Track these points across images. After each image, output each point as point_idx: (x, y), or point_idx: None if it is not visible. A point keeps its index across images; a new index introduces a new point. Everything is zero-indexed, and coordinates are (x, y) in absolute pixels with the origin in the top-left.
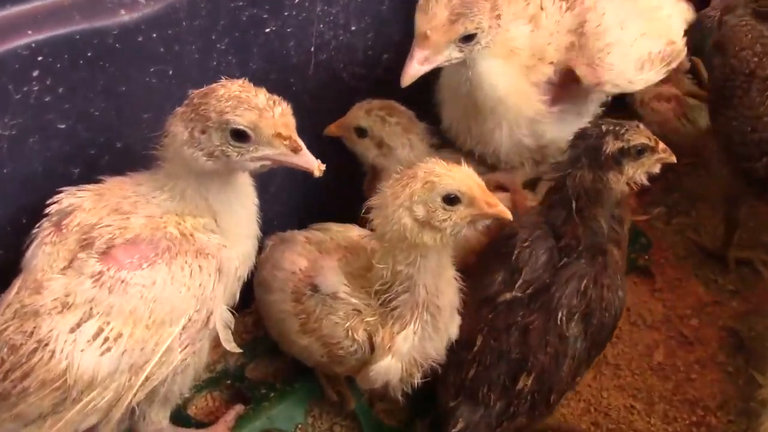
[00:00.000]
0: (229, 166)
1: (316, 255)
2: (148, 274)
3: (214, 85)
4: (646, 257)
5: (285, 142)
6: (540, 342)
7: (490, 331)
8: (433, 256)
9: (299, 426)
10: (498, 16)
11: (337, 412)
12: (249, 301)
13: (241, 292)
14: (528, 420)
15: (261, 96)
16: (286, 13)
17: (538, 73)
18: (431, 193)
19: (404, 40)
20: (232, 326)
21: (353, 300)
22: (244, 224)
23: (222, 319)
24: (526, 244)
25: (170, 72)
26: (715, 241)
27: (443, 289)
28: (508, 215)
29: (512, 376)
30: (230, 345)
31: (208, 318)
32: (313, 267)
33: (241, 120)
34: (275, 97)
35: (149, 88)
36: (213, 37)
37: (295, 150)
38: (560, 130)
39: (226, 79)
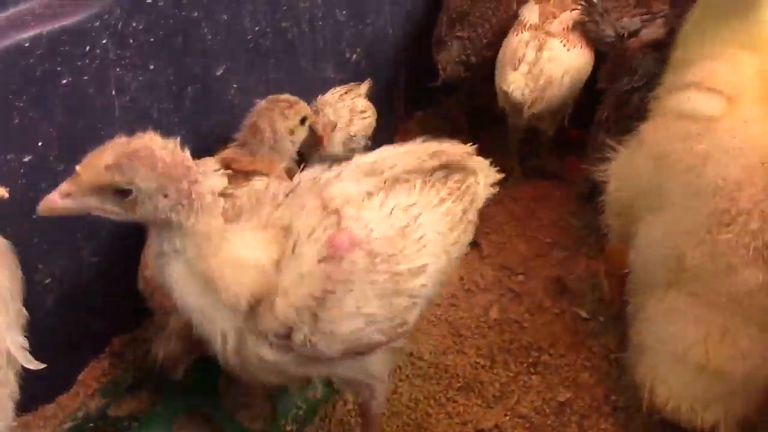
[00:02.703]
0: None
1: None
2: None
3: None
4: None
5: None
6: None
7: None
8: None
9: None
10: (189, 193)
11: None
12: (102, 345)
13: (91, 337)
14: None
15: None
16: (79, 63)
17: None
18: None
19: (205, 71)
20: (27, 346)
21: None
22: None
23: (15, 343)
24: None
25: None
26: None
27: None
28: None
29: None
30: (32, 364)
31: None
32: None
33: None
34: None
35: None
36: (10, 96)
37: None
38: None
39: None
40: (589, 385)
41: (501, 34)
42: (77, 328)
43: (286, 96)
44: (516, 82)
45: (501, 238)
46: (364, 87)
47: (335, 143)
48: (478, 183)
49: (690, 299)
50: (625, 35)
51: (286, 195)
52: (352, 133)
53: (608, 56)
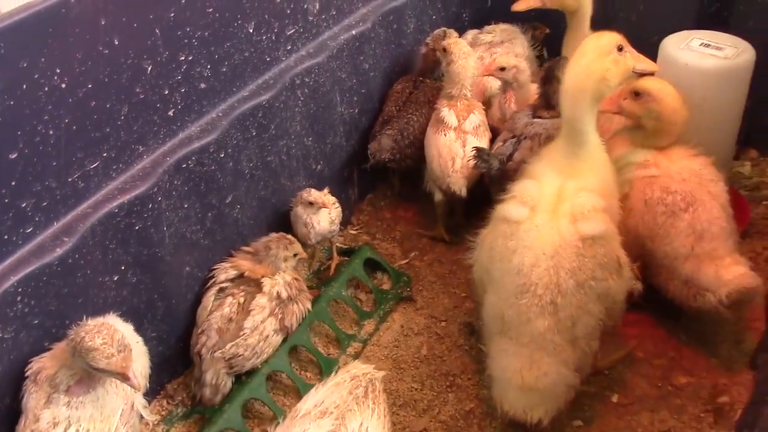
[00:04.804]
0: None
1: None
2: (93, 393)
3: (89, 335)
4: (409, 290)
5: (120, 374)
6: None
7: None
8: None
9: None
10: None
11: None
12: (159, 389)
13: (152, 383)
14: None
15: (115, 343)
16: (146, 215)
17: None
18: None
19: (219, 201)
20: (148, 405)
21: None
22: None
23: (140, 403)
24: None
25: None
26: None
27: None
28: None
29: None
30: (149, 415)
31: (132, 405)
32: None
33: (96, 365)
34: (125, 341)
35: None
36: (107, 242)
37: (125, 377)
38: None
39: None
40: (487, 398)
41: (421, 135)
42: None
43: (290, 236)
44: (458, 183)
45: (431, 293)
46: (326, 190)
47: (324, 223)
48: (376, 376)
49: (510, 342)
50: (504, 160)
51: None
52: (333, 218)
53: (498, 177)
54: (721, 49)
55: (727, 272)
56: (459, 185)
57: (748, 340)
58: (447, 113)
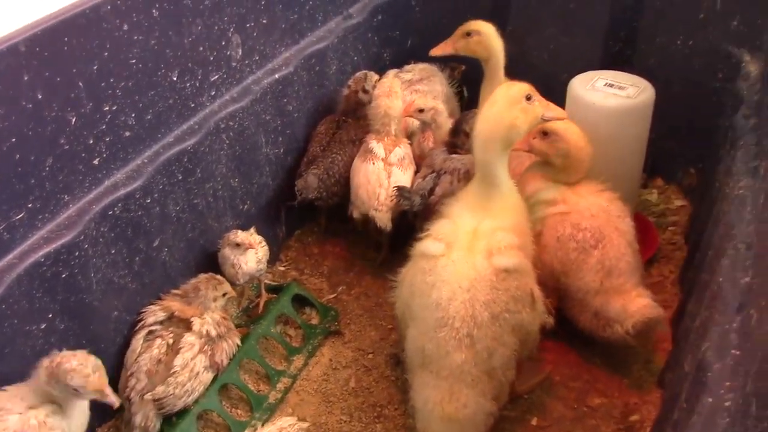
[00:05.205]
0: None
1: None
2: None
3: (65, 360)
4: (336, 324)
5: (97, 393)
6: None
7: None
8: None
9: None
10: None
11: None
12: None
13: None
14: None
15: (90, 364)
16: (72, 263)
17: None
18: None
19: (146, 245)
20: None
21: None
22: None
23: None
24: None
25: None
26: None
27: None
28: None
29: None
30: None
31: None
32: None
33: (75, 383)
34: (98, 362)
35: None
36: (33, 291)
37: (103, 395)
38: None
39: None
40: (413, 427)
41: (346, 173)
42: None
43: (219, 277)
44: (383, 219)
45: (358, 326)
46: (252, 230)
47: (251, 263)
48: (303, 427)
49: (431, 375)
50: (426, 194)
51: None
52: (260, 257)
53: (422, 212)
54: (624, 88)
55: (632, 305)
56: (384, 221)
57: (656, 360)
58: (375, 145)
